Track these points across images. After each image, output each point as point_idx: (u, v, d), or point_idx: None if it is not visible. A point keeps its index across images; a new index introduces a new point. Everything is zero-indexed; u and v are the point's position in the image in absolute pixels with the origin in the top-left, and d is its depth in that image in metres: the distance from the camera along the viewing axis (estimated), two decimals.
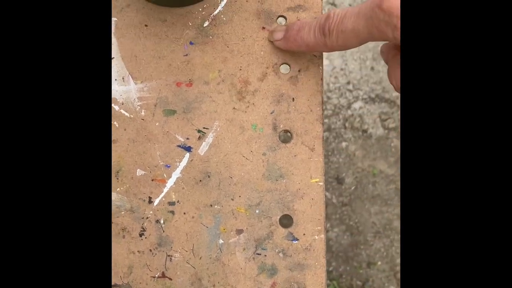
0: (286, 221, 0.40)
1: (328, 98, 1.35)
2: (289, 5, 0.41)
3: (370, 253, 1.31)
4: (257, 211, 0.40)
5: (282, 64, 0.41)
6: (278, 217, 0.40)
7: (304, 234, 0.40)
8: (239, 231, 0.40)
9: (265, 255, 0.40)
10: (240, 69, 0.41)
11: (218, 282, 0.40)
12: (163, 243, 0.40)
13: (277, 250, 0.40)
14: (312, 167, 0.40)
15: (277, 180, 0.40)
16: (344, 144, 1.32)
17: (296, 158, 0.40)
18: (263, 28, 0.41)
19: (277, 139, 0.41)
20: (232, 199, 0.40)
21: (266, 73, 0.41)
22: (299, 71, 0.41)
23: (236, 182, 0.40)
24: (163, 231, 0.40)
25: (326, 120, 1.31)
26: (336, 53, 1.31)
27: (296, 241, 0.40)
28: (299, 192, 0.40)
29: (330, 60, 1.33)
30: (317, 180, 0.40)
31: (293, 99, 0.41)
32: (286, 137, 0.41)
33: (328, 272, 1.31)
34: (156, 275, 0.40)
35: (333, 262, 1.31)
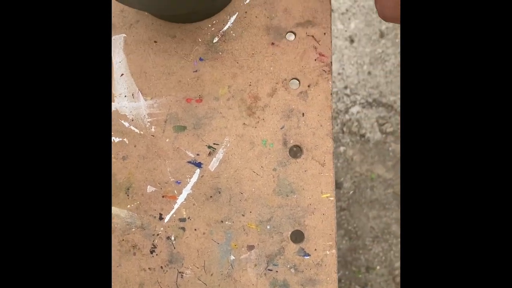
0: (297, 236, 0.40)
1: None
2: (298, 21, 0.41)
3: (369, 257, 1.31)
4: (268, 227, 0.40)
5: (292, 79, 0.41)
6: (289, 233, 0.40)
7: (315, 250, 0.40)
8: (250, 247, 0.40)
9: (277, 271, 0.40)
10: (250, 85, 0.41)
11: None
12: (174, 259, 0.40)
13: (288, 266, 0.40)
14: (322, 182, 0.40)
15: (287, 196, 0.40)
16: (342, 148, 1.32)
17: (306, 173, 0.40)
18: (272, 44, 0.41)
19: (288, 154, 0.41)
20: (243, 215, 0.40)
21: (276, 89, 0.41)
22: (308, 86, 0.41)
23: (246, 198, 0.40)
24: (174, 248, 0.40)
25: None
26: (334, 57, 1.31)
27: (308, 257, 0.40)
28: (310, 207, 0.40)
29: None
30: (328, 195, 0.40)
31: (303, 114, 0.41)
32: (296, 152, 0.41)
33: None
34: None
35: None
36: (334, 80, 1.35)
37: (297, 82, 0.41)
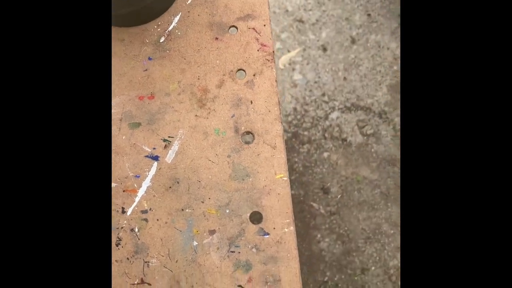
0: (256, 217, 0.42)
1: (306, 111, 1.37)
2: (238, 15, 0.43)
3: (363, 259, 1.32)
4: (227, 211, 0.42)
5: (238, 70, 0.43)
6: (248, 215, 0.42)
7: (274, 228, 0.42)
8: (212, 232, 0.42)
9: (239, 252, 0.42)
10: (198, 79, 0.43)
11: (196, 283, 0.41)
12: (140, 250, 0.41)
13: (250, 246, 0.42)
14: (275, 163, 0.42)
15: (243, 180, 0.42)
16: (325, 154, 1.34)
17: (259, 157, 0.42)
18: (216, 38, 0.43)
19: (240, 141, 0.43)
20: (202, 202, 0.42)
21: (223, 80, 0.43)
22: (254, 75, 0.43)
23: (204, 185, 0.42)
24: (139, 239, 0.41)
25: (305, 133, 1.34)
26: (309, 67, 1.35)
27: (267, 236, 0.42)
28: (266, 188, 0.42)
29: (303, 75, 1.36)
30: (282, 175, 0.42)
31: (251, 102, 0.43)
32: (248, 138, 0.43)
33: (324, 282, 1.31)
34: (136, 282, 0.41)
35: (328, 272, 1.32)
36: (311, 89, 1.39)
37: (243, 72, 0.43)
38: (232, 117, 0.43)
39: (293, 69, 1.39)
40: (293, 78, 1.40)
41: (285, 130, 1.35)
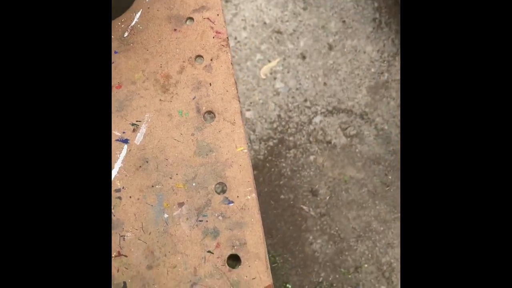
0: (221, 188, 0.46)
1: (289, 117, 1.42)
2: (193, 8, 0.48)
3: (356, 257, 1.34)
4: (194, 184, 0.46)
5: (196, 57, 0.48)
6: (213, 186, 0.46)
7: (237, 196, 0.45)
8: (181, 204, 0.45)
9: (207, 221, 0.45)
10: (161, 67, 0.47)
11: (169, 251, 0.44)
12: (115, 225, 0.45)
13: (216, 215, 0.45)
14: (235, 138, 0.46)
15: (207, 155, 0.46)
16: (311, 157, 1.38)
17: (221, 133, 0.46)
18: (175, 30, 0.48)
19: (202, 119, 0.47)
20: (171, 178, 0.46)
21: (184, 66, 0.47)
22: (211, 60, 0.47)
23: (171, 163, 0.46)
24: (114, 215, 0.45)
25: (291, 138, 1.37)
26: (289, 75, 1.40)
27: (232, 204, 0.45)
28: (228, 161, 0.46)
29: (285, 83, 1.41)
30: (242, 148, 0.46)
31: (210, 84, 0.47)
32: (209, 117, 0.47)
33: (319, 283, 1.33)
34: (113, 255, 0.44)
35: (322, 272, 1.34)
36: (293, 95, 1.43)
37: (201, 58, 0.48)
38: (193, 99, 0.47)
39: (275, 78, 1.44)
40: (275, 86, 1.44)
41: (271, 137, 1.38)
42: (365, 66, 1.44)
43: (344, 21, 1.44)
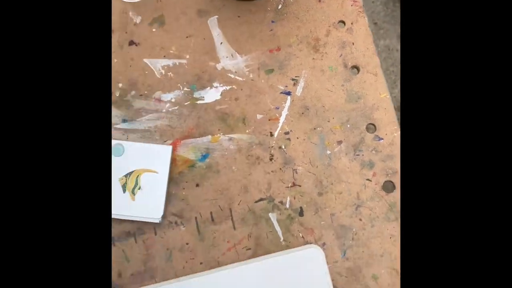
0: (371, 128, 0.55)
1: None
2: None
3: None
4: (348, 126, 0.55)
5: (339, 22, 0.57)
6: (364, 126, 0.55)
7: (386, 134, 0.55)
8: (339, 142, 0.55)
9: (363, 155, 0.54)
10: (311, 32, 0.57)
11: (334, 181, 0.54)
12: (288, 162, 0.54)
13: (370, 149, 0.55)
14: (378, 87, 0.56)
15: (356, 101, 0.56)
16: None
17: (366, 83, 0.56)
18: (319, 1, 0.57)
19: (349, 73, 0.56)
20: (328, 121, 0.55)
21: (329, 30, 0.57)
22: (351, 23, 0.57)
23: (327, 109, 0.55)
24: (286, 153, 0.54)
25: None
26: None
27: (382, 140, 0.55)
28: (375, 105, 0.55)
29: None
30: (385, 95, 0.56)
31: (353, 43, 0.57)
32: (355, 70, 0.57)
33: None
34: (289, 185, 0.54)
35: None
36: None
37: (343, 23, 0.57)
38: (340, 56, 0.56)
39: None
40: None
41: None
42: (397, 63, 1.53)
43: (375, 23, 1.54)
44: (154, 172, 0.52)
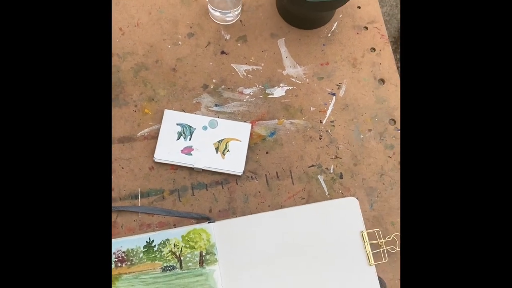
0: (392, 122, 0.77)
1: None
2: (367, 21, 0.82)
3: None
4: (376, 119, 0.77)
5: (371, 48, 0.81)
6: (387, 120, 0.77)
7: None
8: (369, 130, 0.76)
9: (386, 140, 0.76)
10: (351, 53, 0.80)
11: (365, 156, 0.75)
12: (333, 141, 0.76)
13: (391, 136, 0.76)
14: (398, 94, 0.78)
15: (382, 103, 0.78)
16: None
17: (389, 91, 0.78)
18: (357, 33, 0.81)
19: (377, 84, 0.79)
20: (362, 115, 0.77)
21: (364, 54, 0.80)
22: (380, 50, 0.80)
23: (362, 107, 0.77)
24: (331, 135, 0.76)
25: None
26: None
27: (399, 131, 0.76)
28: (395, 106, 0.78)
29: None
30: None
31: (380, 63, 0.80)
32: (381, 82, 0.79)
33: None
34: (333, 157, 0.75)
35: None
36: None
37: (374, 49, 0.81)
38: (371, 71, 0.79)
39: None
40: None
41: None
42: None
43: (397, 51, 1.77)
44: (238, 140, 0.73)
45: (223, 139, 0.73)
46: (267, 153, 0.74)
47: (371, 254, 0.67)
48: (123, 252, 0.65)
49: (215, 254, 0.65)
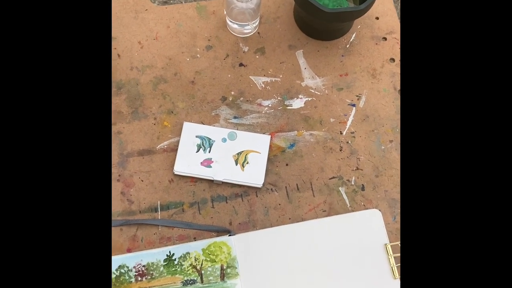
0: None
1: None
2: (386, 31, 0.81)
3: None
4: (397, 130, 0.76)
5: (390, 59, 0.80)
6: None
7: None
8: (391, 141, 0.75)
9: None
10: (370, 64, 0.79)
11: (387, 167, 0.74)
12: (353, 152, 0.75)
13: None
14: None
15: None
16: None
17: None
18: (376, 44, 0.81)
19: (397, 94, 0.78)
20: (383, 126, 0.76)
21: (383, 64, 0.79)
22: (399, 60, 0.80)
23: (382, 118, 0.76)
24: (352, 147, 0.75)
25: None
26: None
27: None
28: None
29: None
30: None
31: (399, 74, 0.79)
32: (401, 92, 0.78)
33: None
34: (354, 169, 0.74)
35: None
36: None
37: (393, 60, 0.80)
38: (391, 82, 0.78)
39: None
40: None
41: None
42: None
43: None
44: (258, 152, 0.73)
45: (242, 151, 0.72)
46: (287, 165, 0.74)
47: (395, 268, 0.65)
48: (143, 266, 0.64)
49: (236, 268, 0.64)
